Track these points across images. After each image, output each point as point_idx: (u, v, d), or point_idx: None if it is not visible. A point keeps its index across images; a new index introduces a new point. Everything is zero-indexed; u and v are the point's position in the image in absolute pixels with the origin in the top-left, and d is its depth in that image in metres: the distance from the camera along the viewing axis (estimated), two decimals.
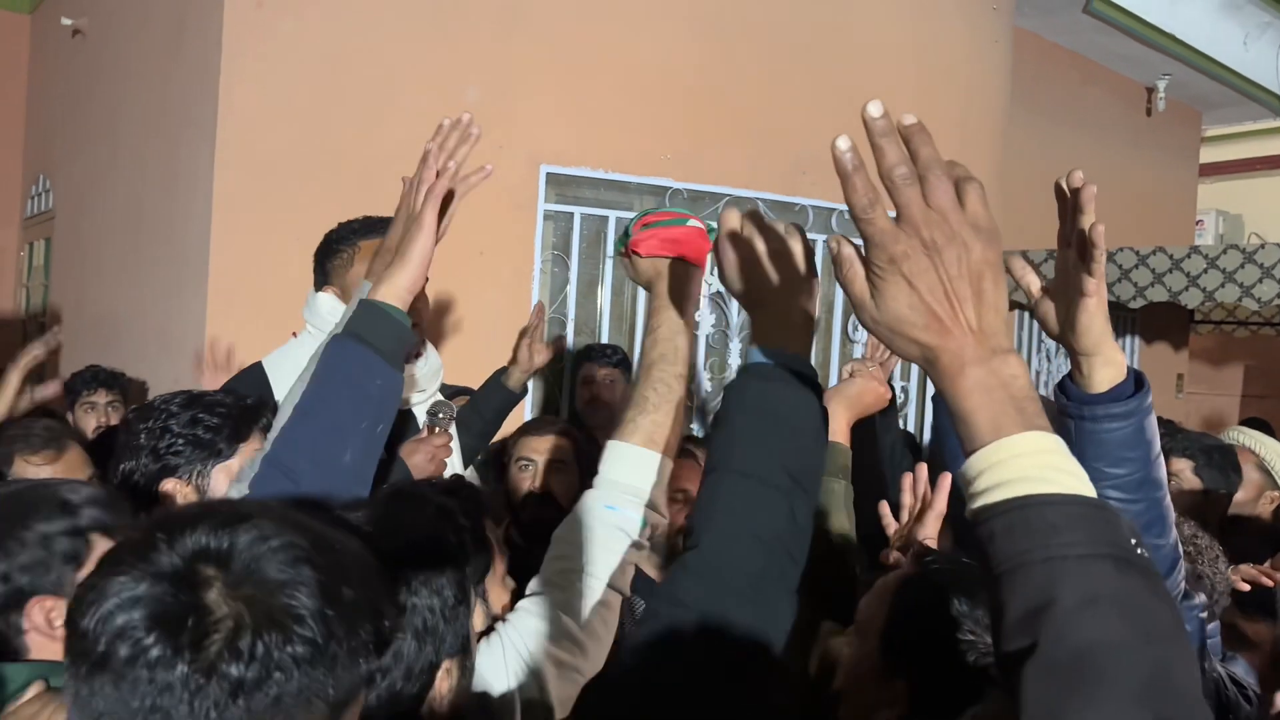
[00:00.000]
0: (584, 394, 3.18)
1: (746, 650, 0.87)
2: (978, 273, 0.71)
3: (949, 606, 1.13)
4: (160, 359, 3.41)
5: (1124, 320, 6.34)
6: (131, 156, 4.00)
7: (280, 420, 1.21)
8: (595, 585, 1.21)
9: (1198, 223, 7.37)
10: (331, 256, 1.96)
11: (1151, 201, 6.77)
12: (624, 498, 1.24)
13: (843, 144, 0.70)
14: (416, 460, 1.82)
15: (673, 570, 0.93)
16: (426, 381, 2.01)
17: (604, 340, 3.53)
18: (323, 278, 1.97)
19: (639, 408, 1.26)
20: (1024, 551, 0.66)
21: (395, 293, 1.24)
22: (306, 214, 3.06)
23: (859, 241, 0.75)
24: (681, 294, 1.27)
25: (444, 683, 0.95)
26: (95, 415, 3.28)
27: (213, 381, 2.72)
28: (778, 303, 1.00)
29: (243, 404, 1.53)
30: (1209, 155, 7.60)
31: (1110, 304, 0.69)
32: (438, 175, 1.28)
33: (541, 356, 2.63)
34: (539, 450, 2.37)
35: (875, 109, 0.70)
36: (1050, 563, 0.65)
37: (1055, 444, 0.69)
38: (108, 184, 4.29)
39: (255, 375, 1.95)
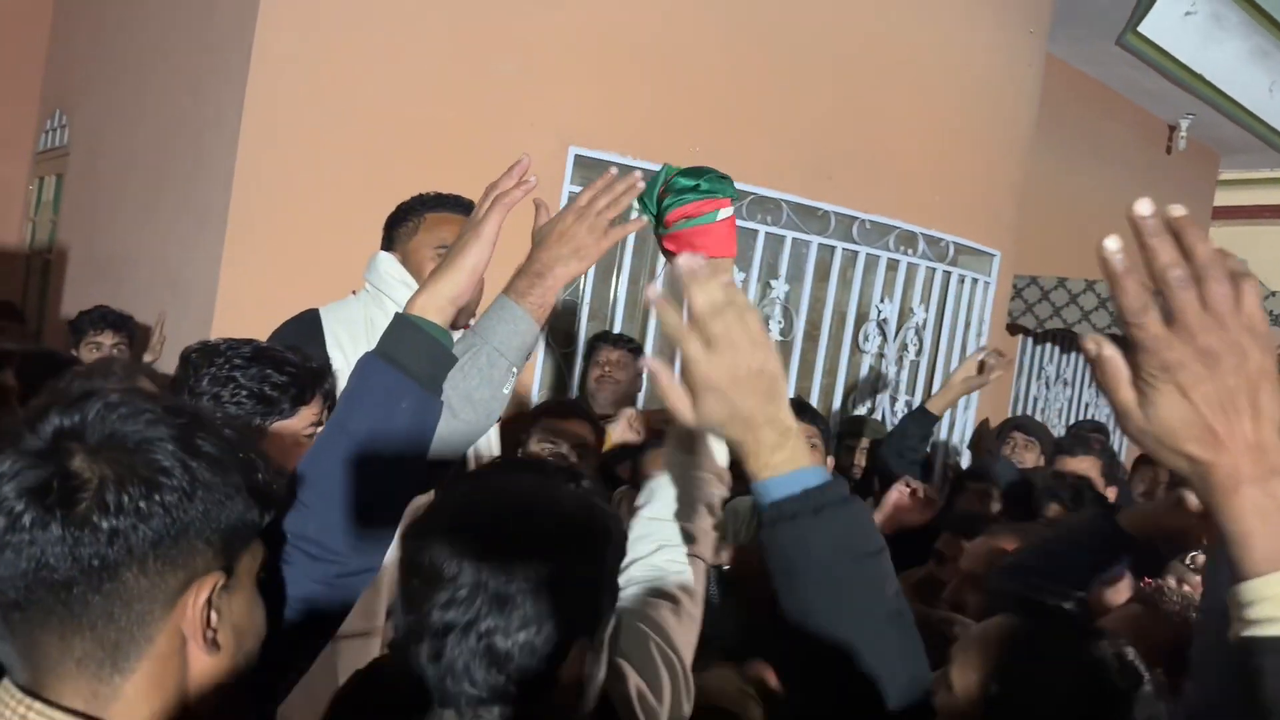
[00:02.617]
0: (594, 374, 3.22)
1: None
2: (1255, 383, 0.67)
3: (1071, 659, 1.09)
4: (172, 304, 3.40)
5: None
6: (157, 98, 3.97)
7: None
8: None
9: None
10: (399, 224, 2.03)
11: None
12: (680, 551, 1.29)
13: (1112, 245, 0.67)
14: None
15: None
16: None
17: (617, 328, 3.55)
18: (388, 242, 2.04)
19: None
20: None
21: (435, 304, 1.10)
22: (329, 172, 3.06)
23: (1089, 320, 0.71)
24: None
25: (578, 664, 0.92)
26: (99, 356, 3.27)
27: (229, 331, 2.71)
28: (759, 420, 0.86)
29: (309, 367, 1.48)
30: (1219, 199, 7.63)
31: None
32: (517, 184, 1.16)
33: None
34: (561, 434, 2.40)
35: (1145, 207, 0.67)
36: None
37: None
38: (129, 124, 4.25)
39: (309, 322, 1.94)
